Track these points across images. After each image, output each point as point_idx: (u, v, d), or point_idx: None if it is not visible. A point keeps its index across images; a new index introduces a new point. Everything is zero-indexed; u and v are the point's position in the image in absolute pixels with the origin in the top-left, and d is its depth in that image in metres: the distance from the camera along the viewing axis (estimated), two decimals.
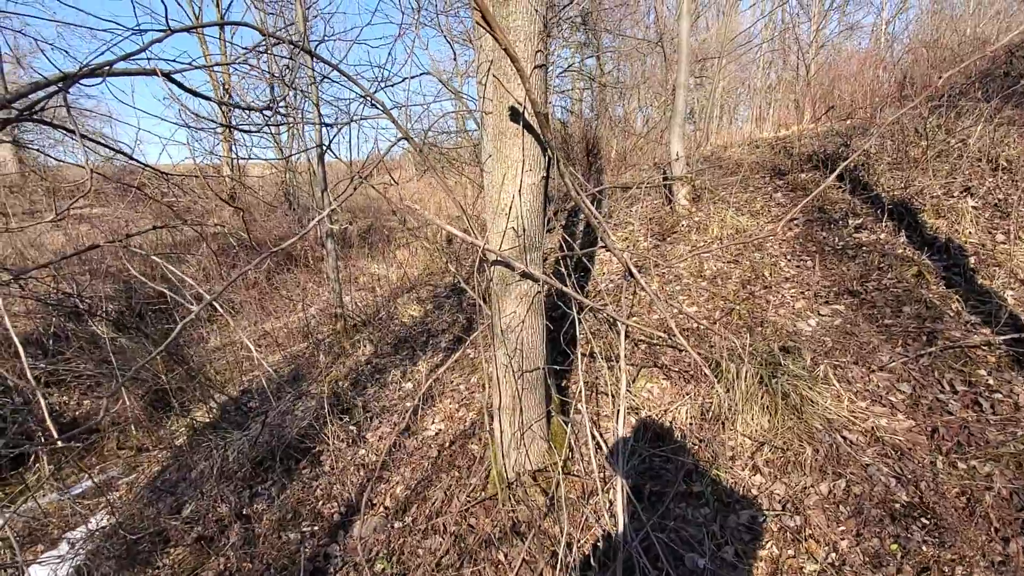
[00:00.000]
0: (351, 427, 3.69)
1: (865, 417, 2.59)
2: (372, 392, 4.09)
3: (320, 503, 3.00)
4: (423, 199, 12.75)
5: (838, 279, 3.63)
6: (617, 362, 3.24)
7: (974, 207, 3.65)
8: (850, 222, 4.03)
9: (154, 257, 1.91)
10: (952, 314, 3.05)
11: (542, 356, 2.36)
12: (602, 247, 4.59)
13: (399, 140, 1.96)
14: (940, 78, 2.18)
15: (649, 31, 11.79)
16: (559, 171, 2.03)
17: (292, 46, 3.09)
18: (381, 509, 2.90)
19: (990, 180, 3.83)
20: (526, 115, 2.01)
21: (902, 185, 4.15)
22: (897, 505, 2.13)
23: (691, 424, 2.79)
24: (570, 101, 14.12)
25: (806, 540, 2.09)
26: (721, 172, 5.96)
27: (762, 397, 2.65)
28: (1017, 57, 6.44)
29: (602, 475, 2.54)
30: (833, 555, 2.01)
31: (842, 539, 2.06)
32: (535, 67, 1.99)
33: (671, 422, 2.86)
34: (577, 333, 2.49)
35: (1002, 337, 2.78)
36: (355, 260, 8.94)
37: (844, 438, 2.49)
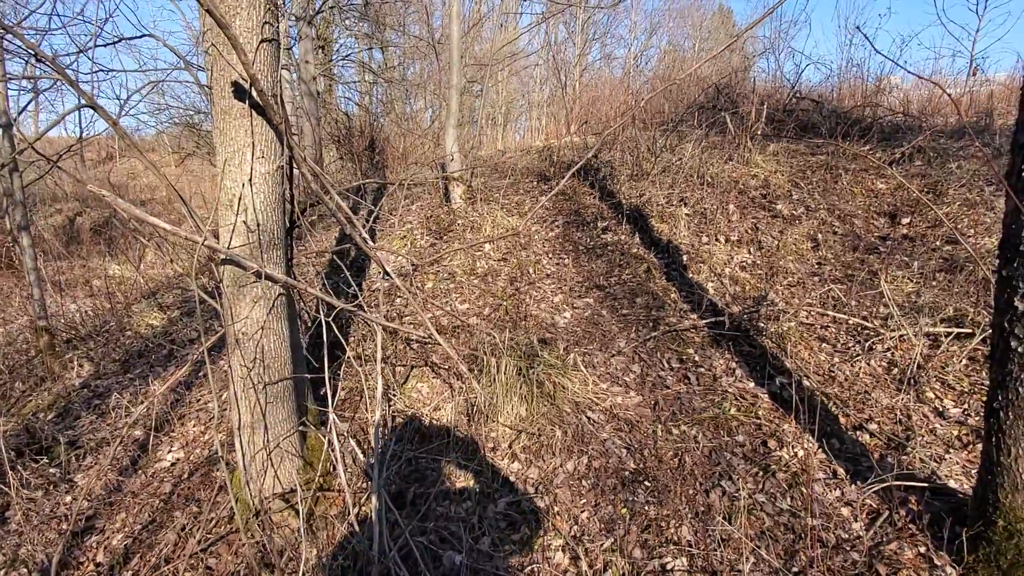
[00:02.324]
0: (52, 469, 2.92)
1: (605, 397, 2.92)
2: (88, 423, 3.30)
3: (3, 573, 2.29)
4: (182, 188, 10.96)
5: (589, 275, 4.07)
6: (374, 364, 3.13)
7: (687, 214, 4.44)
8: (599, 225, 4.58)
9: None
10: (671, 303, 3.64)
11: (289, 366, 2.12)
12: (377, 249, 4.43)
13: (75, 109, 1.54)
14: (642, 101, 2.54)
15: (435, 31, 11.93)
16: (295, 160, 1.83)
17: None
18: (90, 568, 2.33)
19: (699, 192, 4.70)
20: (254, 93, 1.76)
21: (638, 194, 4.86)
22: (627, 472, 2.43)
23: (458, 420, 2.82)
24: (358, 95, 13.57)
25: (554, 517, 2.24)
26: (496, 175, 6.28)
27: (521, 387, 2.80)
28: (722, 94, 8.09)
29: (362, 486, 2.40)
30: (575, 527, 2.20)
31: (583, 511, 2.26)
32: (262, 40, 1.76)
33: (439, 420, 2.86)
34: (332, 337, 2.31)
35: (704, 321, 3.40)
36: (86, 259, 7.24)
37: (588, 418, 2.76)
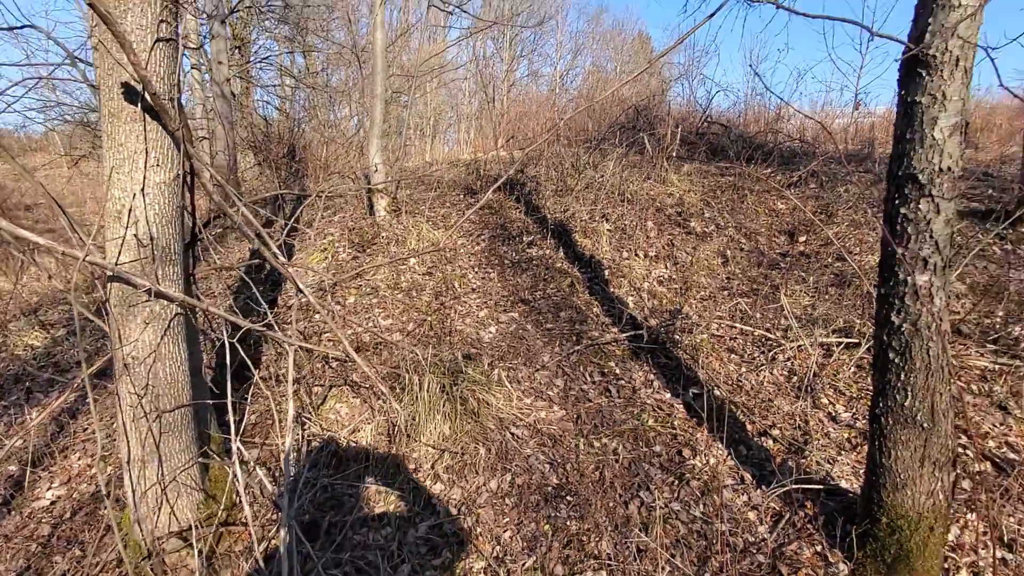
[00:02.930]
0: None
1: (530, 412, 2.93)
2: None
3: None
4: (76, 193, 10.07)
5: (514, 289, 4.09)
6: (287, 386, 2.97)
7: (609, 230, 4.59)
8: (525, 239, 4.62)
9: None
10: (594, 317, 3.73)
11: (187, 391, 1.96)
12: (292, 267, 4.23)
13: None
14: (566, 118, 2.59)
15: (360, 39, 11.68)
16: (195, 169, 1.70)
17: None
18: None
19: (620, 209, 4.87)
20: (147, 97, 1.62)
21: (563, 209, 4.96)
22: (550, 488, 2.44)
23: (378, 441, 2.72)
24: (278, 99, 13.00)
25: (476, 539, 2.20)
26: (423, 187, 6.20)
27: (444, 405, 2.75)
28: (641, 115, 8.47)
29: (273, 517, 2.25)
30: (498, 548, 2.17)
31: (505, 531, 2.24)
32: (157, 40, 1.62)
33: (358, 442, 2.74)
34: (239, 359, 2.15)
35: (624, 334, 3.51)
36: None
37: (513, 434, 2.75)
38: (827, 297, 3.60)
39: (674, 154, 5.68)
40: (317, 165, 8.06)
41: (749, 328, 3.36)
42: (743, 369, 3.11)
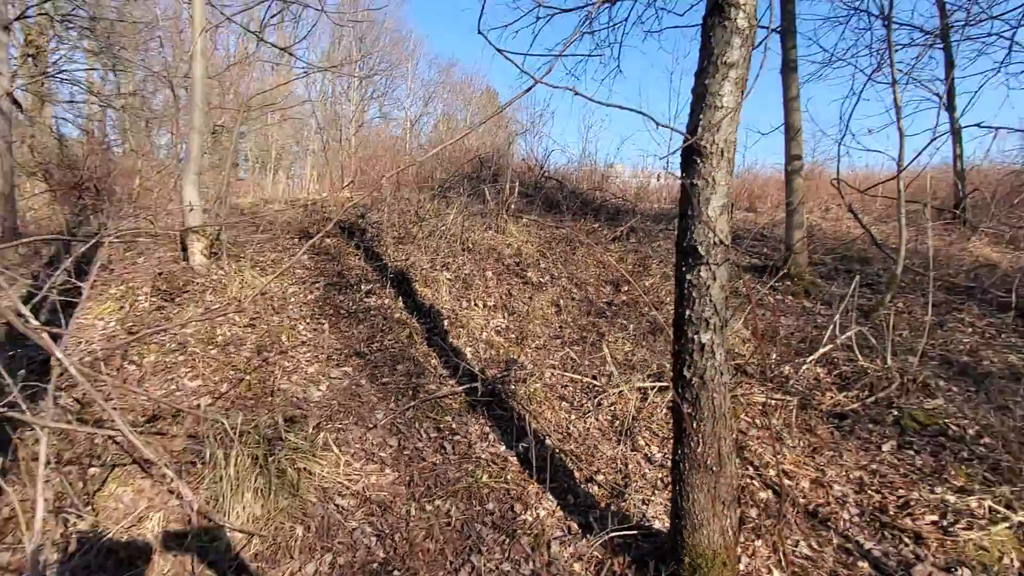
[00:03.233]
0: None
1: (359, 478, 2.72)
2: None
3: None
4: None
5: (349, 341, 3.87)
6: (42, 475, 2.44)
7: (449, 279, 4.60)
8: (363, 287, 4.44)
9: None
10: (432, 369, 3.65)
11: None
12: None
13: None
14: (409, 165, 2.56)
15: (185, 62, 10.63)
16: None
17: None
18: None
19: (461, 258, 4.94)
20: None
21: (404, 257, 4.89)
22: (375, 565, 2.25)
23: (171, 531, 2.30)
24: (83, 119, 11.17)
25: None
26: (253, 228, 5.70)
27: (257, 480, 2.43)
28: (485, 166, 8.81)
29: None
30: None
31: None
32: None
33: (145, 534, 2.29)
34: None
35: (462, 387, 3.48)
36: None
37: (337, 505, 2.52)
38: (644, 344, 3.98)
39: (512, 206, 5.97)
40: (128, 197, 7.01)
41: (578, 376, 3.56)
42: (572, 416, 3.26)
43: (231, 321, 3.90)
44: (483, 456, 2.91)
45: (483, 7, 1.50)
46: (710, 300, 1.85)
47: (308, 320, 4.08)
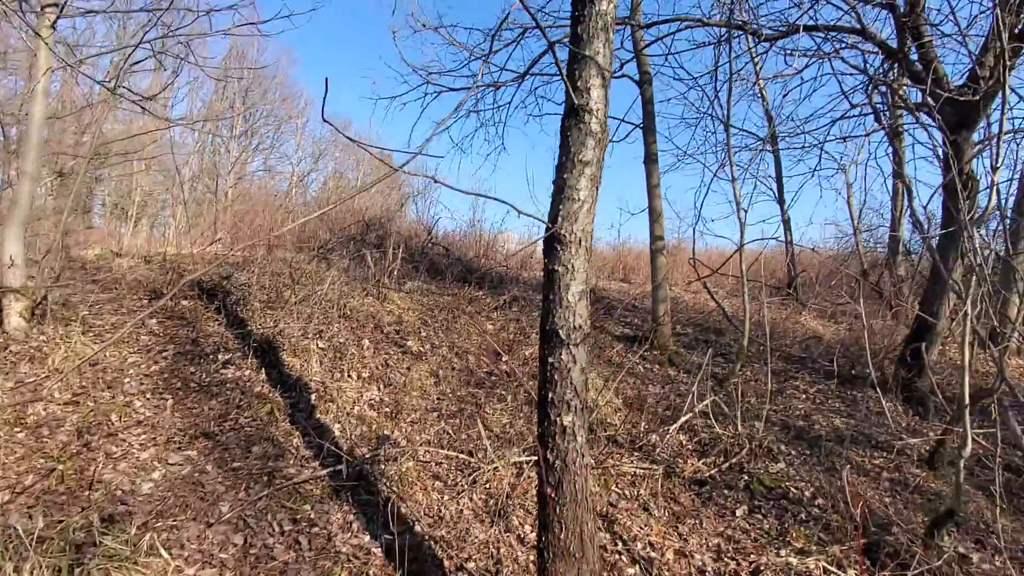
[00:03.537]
0: None
1: None
2: None
3: None
4: None
5: (197, 420, 3.44)
6: None
7: (322, 348, 4.34)
8: (220, 357, 4.02)
9: None
10: (293, 450, 3.33)
11: None
12: None
13: None
14: (291, 224, 2.41)
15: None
16: None
17: None
18: None
19: (337, 325, 4.69)
20: None
21: (272, 323, 4.54)
22: None
23: None
24: None
25: None
26: (93, 287, 5.01)
27: None
28: (371, 229, 8.67)
29: None
30: None
31: None
32: None
33: None
34: None
35: (326, 469, 3.20)
36: None
37: None
38: (521, 415, 3.98)
39: (395, 272, 5.88)
40: None
41: (453, 453, 3.44)
42: (445, 497, 3.11)
43: (50, 397, 3.31)
44: (343, 549, 2.65)
45: (326, 91, 1.50)
46: (571, 383, 1.89)
47: (148, 395, 3.58)
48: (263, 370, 3.97)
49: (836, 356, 5.58)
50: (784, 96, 10.04)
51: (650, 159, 5.99)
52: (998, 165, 2.89)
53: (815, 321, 7.54)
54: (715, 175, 5.72)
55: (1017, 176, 6.51)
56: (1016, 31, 4.24)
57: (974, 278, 2.79)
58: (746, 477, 3.60)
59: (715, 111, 6.21)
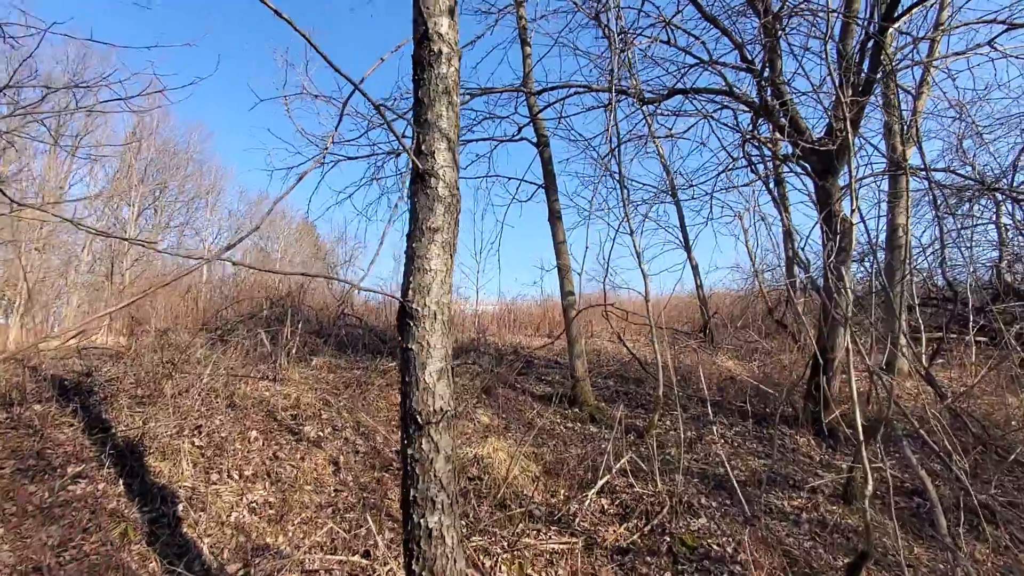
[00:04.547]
0: None
1: None
2: None
3: None
4: None
5: (30, 551, 2.85)
6: None
7: (199, 446, 3.83)
8: (69, 470, 3.44)
9: None
10: None
11: None
12: None
13: None
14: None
15: None
16: None
17: None
18: None
19: (220, 417, 4.20)
20: None
21: (141, 423, 3.99)
22: None
23: None
24: None
25: None
26: None
27: None
28: (276, 305, 8.14)
29: None
30: None
31: None
32: None
33: None
34: None
35: None
36: None
37: None
38: None
39: (293, 350, 5.47)
40: None
41: (347, 557, 3.04)
42: None
43: None
44: None
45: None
46: (435, 475, 1.66)
47: None
48: (121, 481, 3.42)
49: (748, 395, 5.66)
50: (677, 151, 10.72)
51: (554, 216, 6.07)
52: (854, 207, 3.06)
53: (730, 361, 7.73)
54: (617, 229, 5.85)
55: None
56: (859, 89, 4.72)
57: (849, 311, 2.87)
58: (668, 539, 3.43)
59: (612, 169, 6.45)
